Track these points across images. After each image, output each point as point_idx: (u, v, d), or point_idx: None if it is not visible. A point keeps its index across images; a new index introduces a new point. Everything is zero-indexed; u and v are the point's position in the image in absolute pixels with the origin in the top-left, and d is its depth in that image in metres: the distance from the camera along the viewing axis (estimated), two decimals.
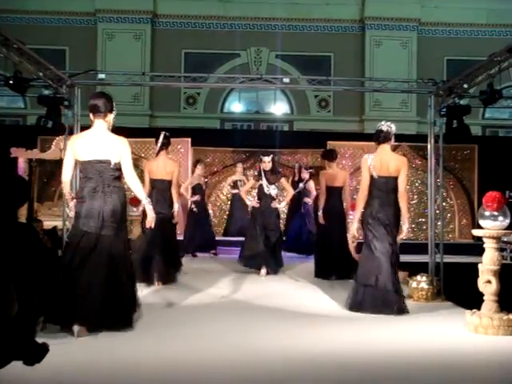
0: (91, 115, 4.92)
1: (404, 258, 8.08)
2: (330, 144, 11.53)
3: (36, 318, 2.74)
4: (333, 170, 8.26)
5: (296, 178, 10.83)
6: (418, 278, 6.59)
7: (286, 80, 8.26)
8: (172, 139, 7.70)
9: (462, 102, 7.19)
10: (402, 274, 7.43)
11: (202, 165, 10.21)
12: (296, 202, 10.15)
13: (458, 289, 6.62)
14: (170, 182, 7.27)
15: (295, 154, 12.76)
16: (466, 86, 6.96)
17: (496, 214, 5.02)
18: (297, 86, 10.11)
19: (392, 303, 5.64)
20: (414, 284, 6.57)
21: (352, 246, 6.94)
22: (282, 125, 16.76)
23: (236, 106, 17.06)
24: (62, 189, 5.34)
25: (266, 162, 8.11)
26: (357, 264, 6.09)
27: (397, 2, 16.12)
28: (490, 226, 5.04)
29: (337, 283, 7.50)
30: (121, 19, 16.21)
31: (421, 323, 5.40)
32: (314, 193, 10.33)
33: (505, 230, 5.07)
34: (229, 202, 12.59)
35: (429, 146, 7.47)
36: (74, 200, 4.89)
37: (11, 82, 6.30)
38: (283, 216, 10.59)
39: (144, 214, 5.23)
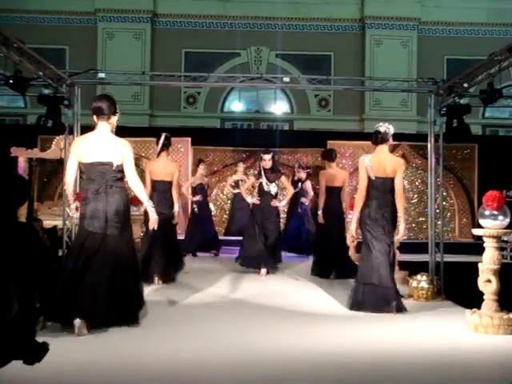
0: (95, 117, 4.98)
1: (404, 258, 8.11)
2: (330, 143, 11.53)
3: (36, 317, 2.74)
4: (332, 169, 8.27)
5: (296, 178, 10.84)
6: (419, 277, 6.59)
7: (286, 79, 8.24)
8: (172, 139, 7.70)
9: (462, 102, 7.19)
10: (402, 274, 7.44)
11: (204, 164, 10.21)
12: (294, 202, 10.15)
13: (458, 288, 6.62)
14: (170, 183, 7.33)
15: (295, 153, 12.75)
16: (466, 85, 6.95)
17: (496, 213, 5.03)
18: (297, 85, 10.09)
19: (391, 301, 5.68)
20: (415, 283, 6.57)
21: (351, 246, 6.94)
22: (282, 124, 16.76)
23: (236, 105, 17.05)
24: (65, 190, 5.40)
25: (267, 160, 8.10)
26: (355, 264, 6.11)
27: (397, 1, 16.12)
28: (490, 226, 5.04)
29: (336, 282, 7.50)
30: (121, 18, 16.21)
31: (421, 322, 5.41)
32: (311, 193, 10.33)
33: (505, 229, 5.08)
34: (229, 202, 12.59)
35: (429, 146, 7.47)
36: (76, 202, 4.98)
37: (11, 81, 6.30)
38: (283, 215, 10.57)
39: (146, 215, 5.27)
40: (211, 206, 11.01)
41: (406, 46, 16.37)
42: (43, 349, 2.67)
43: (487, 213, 5.05)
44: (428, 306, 6.21)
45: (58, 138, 10.34)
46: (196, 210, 9.95)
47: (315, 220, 9.13)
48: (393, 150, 11.45)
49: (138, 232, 9.23)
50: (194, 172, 10.49)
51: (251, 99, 16.98)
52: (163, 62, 15.65)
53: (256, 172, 8.81)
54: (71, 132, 7.46)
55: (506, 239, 9.59)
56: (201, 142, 12.54)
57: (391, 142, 5.99)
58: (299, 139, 13.49)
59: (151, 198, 6.50)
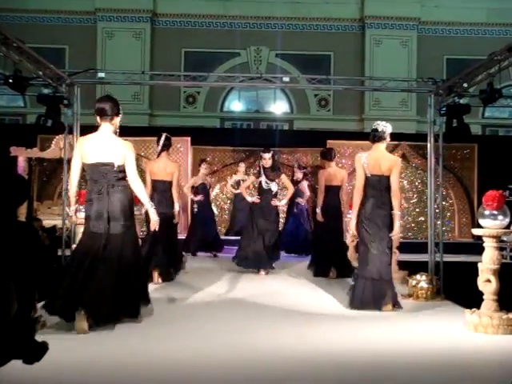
0: (98, 118, 5.06)
1: (404, 257, 8.12)
2: (330, 143, 11.54)
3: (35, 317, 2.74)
4: (331, 168, 8.29)
5: (294, 178, 10.84)
6: (418, 277, 6.59)
7: (286, 79, 8.23)
8: (172, 138, 7.71)
9: (461, 101, 7.18)
10: (401, 273, 7.45)
11: (206, 164, 10.21)
12: (291, 203, 10.15)
13: (457, 288, 6.62)
14: (170, 183, 7.40)
15: (295, 153, 12.76)
16: (465, 85, 6.95)
17: (496, 213, 5.03)
18: (297, 85, 10.08)
19: (388, 294, 5.75)
20: (414, 283, 6.56)
21: (351, 246, 6.94)
22: (281, 124, 16.76)
23: (236, 104, 17.05)
24: (68, 189, 5.46)
25: (267, 159, 8.09)
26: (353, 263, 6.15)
27: (397, 1, 16.12)
28: (489, 225, 5.05)
29: (335, 282, 7.50)
30: (120, 18, 16.20)
31: (420, 322, 5.41)
32: (307, 193, 10.34)
33: (504, 229, 5.08)
34: (228, 201, 12.59)
35: (428, 145, 7.47)
36: (76, 205, 5.13)
37: (11, 80, 6.29)
38: (282, 215, 10.56)
39: (147, 215, 5.32)
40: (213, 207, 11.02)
41: (405, 45, 16.37)
42: (43, 348, 2.67)
43: (487, 213, 5.06)
44: (427, 305, 6.21)
45: (57, 137, 10.33)
46: (195, 209, 9.94)
47: (314, 218, 9.14)
48: (393, 149, 11.47)
49: (138, 231, 9.23)
50: (194, 172, 10.47)
51: (251, 99, 16.97)
52: (163, 62, 15.65)
53: (255, 171, 8.80)
54: (71, 131, 7.46)
55: (505, 239, 9.60)
56: (200, 142, 12.55)
57: (388, 140, 6.03)
58: (299, 139, 13.49)
59: (152, 197, 6.68)
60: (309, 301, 6.39)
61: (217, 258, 9.84)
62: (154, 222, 5.17)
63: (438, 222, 7.39)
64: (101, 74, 7.99)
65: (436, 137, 7.39)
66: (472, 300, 5.28)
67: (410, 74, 15.43)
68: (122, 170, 4.95)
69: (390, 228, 5.82)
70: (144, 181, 6.53)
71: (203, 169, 10.03)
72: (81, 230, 6.47)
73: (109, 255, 4.81)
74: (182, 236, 9.52)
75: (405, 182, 12.63)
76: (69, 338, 4.45)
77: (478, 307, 5.08)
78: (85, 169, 5.08)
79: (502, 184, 10.29)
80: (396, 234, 5.90)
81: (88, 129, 5.84)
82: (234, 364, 4.01)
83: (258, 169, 8.52)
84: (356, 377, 3.81)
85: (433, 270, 7.14)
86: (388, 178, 5.85)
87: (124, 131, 5.24)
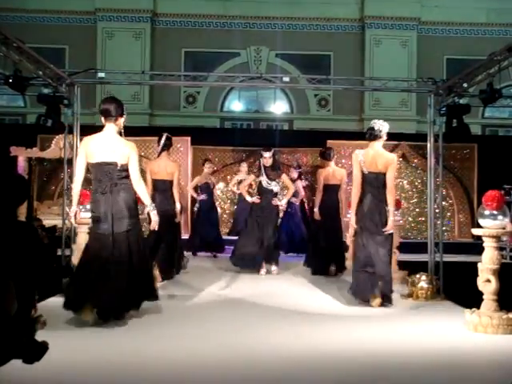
0: (103, 119, 5.19)
1: (404, 257, 8.13)
2: (330, 143, 11.53)
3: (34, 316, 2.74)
4: (330, 168, 8.32)
5: (290, 177, 10.82)
6: (418, 276, 6.59)
7: (286, 79, 8.23)
8: (172, 138, 7.73)
9: (461, 101, 7.18)
10: (401, 273, 7.45)
11: (210, 163, 10.23)
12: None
13: (457, 288, 6.62)
14: (171, 182, 7.47)
15: (295, 153, 12.77)
16: (465, 85, 6.95)
17: (495, 213, 5.03)
18: (296, 85, 10.09)
19: (381, 289, 5.84)
20: (414, 283, 6.56)
21: (351, 246, 6.94)
22: (281, 124, 16.76)
23: (236, 104, 17.05)
24: (71, 188, 5.56)
25: (267, 158, 8.08)
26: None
27: (397, 1, 16.12)
28: (489, 225, 5.05)
29: (333, 281, 7.51)
30: (120, 18, 16.20)
31: (420, 322, 5.40)
32: (301, 193, 10.35)
33: (504, 228, 5.08)
34: (229, 201, 12.59)
35: (428, 145, 7.47)
36: (77, 209, 5.18)
37: (11, 80, 6.29)
38: (280, 214, 10.54)
39: (149, 216, 5.38)
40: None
41: (405, 45, 16.37)
42: (43, 348, 2.67)
43: (487, 212, 5.06)
44: (427, 305, 6.21)
45: (57, 137, 10.34)
46: (196, 209, 9.94)
47: (311, 217, 9.15)
48: (392, 149, 11.46)
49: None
50: (194, 171, 10.47)
51: (251, 99, 16.97)
52: (163, 62, 15.66)
53: (256, 170, 8.80)
54: (71, 131, 7.45)
55: (505, 239, 9.60)
56: (200, 142, 12.56)
57: (385, 138, 6.09)
58: (299, 139, 13.50)
59: (153, 197, 6.83)
60: (307, 300, 6.40)
61: (217, 258, 9.85)
62: (154, 223, 5.25)
63: (438, 222, 7.39)
64: (101, 74, 7.98)
65: (436, 137, 7.39)
66: (472, 300, 5.28)
67: (410, 74, 15.42)
68: (125, 169, 5.06)
69: (387, 224, 5.91)
70: (145, 180, 6.56)
71: (207, 168, 10.05)
72: (81, 230, 6.51)
73: (118, 256, 4.93)
74: (185, 236, 9.52)
75: (405, 182, 12.64)
76: (69, 338, 4.45)
77: (478, 307, 5.08)
78: (89, 168, 5.15)
79: (502, 184, 10.32)
80: (389, 228, 5.96)
81: (88, 129, 5.85)
82: (231, 364, 4.01)
83: (258, 167, 8.52)
84: (355, 377, 3.81)
85: (433, 269, 7.13)
86: (385, 175, 5.95)
87: (124, 131, 5.29)
